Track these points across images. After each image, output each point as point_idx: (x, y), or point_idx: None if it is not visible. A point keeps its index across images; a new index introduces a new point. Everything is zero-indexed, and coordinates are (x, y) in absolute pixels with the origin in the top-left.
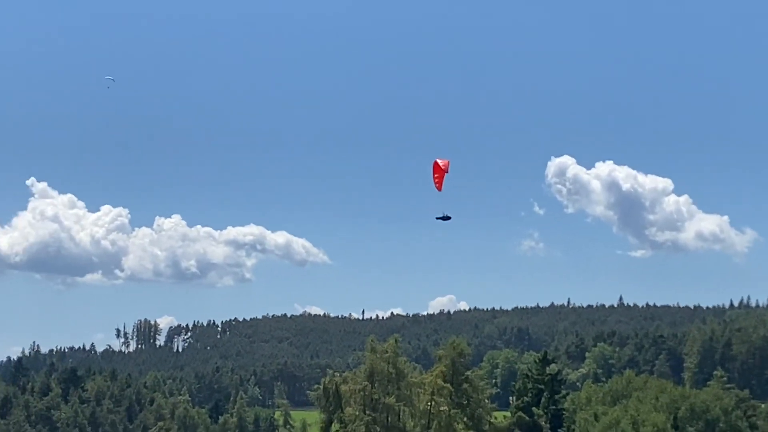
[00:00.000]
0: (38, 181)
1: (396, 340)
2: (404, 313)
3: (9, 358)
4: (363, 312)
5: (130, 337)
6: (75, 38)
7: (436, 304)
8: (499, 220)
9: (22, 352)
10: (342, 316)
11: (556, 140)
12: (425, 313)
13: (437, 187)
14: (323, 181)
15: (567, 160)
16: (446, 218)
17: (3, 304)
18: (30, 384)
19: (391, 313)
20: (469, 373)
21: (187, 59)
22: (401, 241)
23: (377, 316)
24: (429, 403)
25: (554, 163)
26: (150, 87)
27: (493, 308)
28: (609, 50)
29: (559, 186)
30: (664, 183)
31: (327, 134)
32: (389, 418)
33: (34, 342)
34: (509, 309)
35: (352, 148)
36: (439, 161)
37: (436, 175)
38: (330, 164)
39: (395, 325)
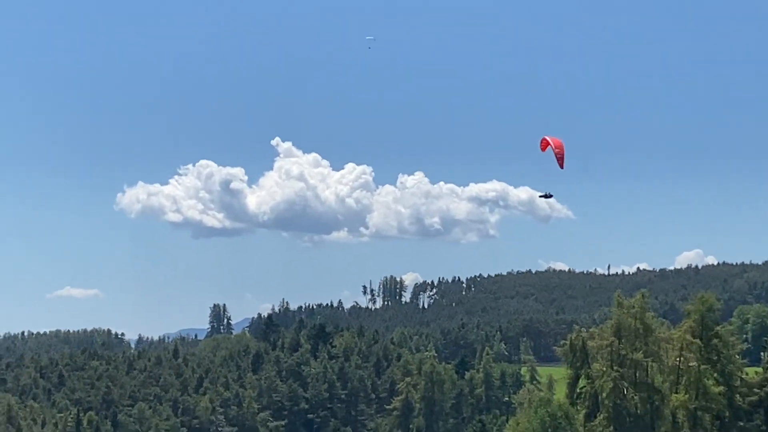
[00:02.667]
0: (283, 141)
1: (643, 295)
2: (650, 268)
3: (260, 314)
4: (608, 267)
5: (377, 294)
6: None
7: (682, 259)
8: (746, 171)
9: (272, 308)
10: (587, 271)
11: None
12: (672, 267)
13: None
14: (561, 134)
15: None
16: (548, 196)
17: (253, 262)
18: (280, 340)
19: (637, 268)
20: (718, 328)
21: (439, 23)
22: (646, 195)
23: (623, 271)
24: (678, 359)
25: None
26: (396, 46)
27: (743, 262)
28: None
29: None
30: None
31: (546, 92)
32: (637, 374)
33: (283, 299)
34: (760, 263)
35: (599, 100)
36: (548, 139)
37: (555, 150)
38: (572, 118)
39: (642, 280)
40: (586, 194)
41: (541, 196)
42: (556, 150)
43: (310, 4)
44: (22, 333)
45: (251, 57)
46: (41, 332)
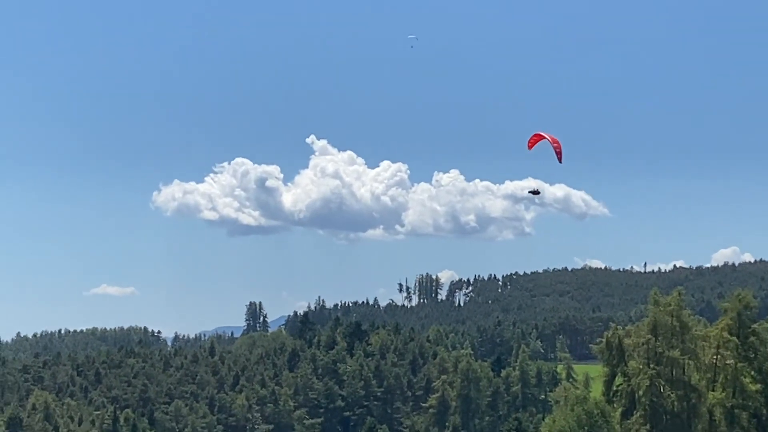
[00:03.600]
0: (318, 138)
1: (679, 293)
2: (687, 266)
3: (296, 312)
4: (645, 265)
5: (412, 292)
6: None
7: (719, 256)
8: None
9: (308, 306)
10: (623, 269)
11: None
12: (708, 265)
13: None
14: (598, 132)
15: None
16: (536, 192)
17: (289, 259)
18: (316, 338)
19: (674, 265)
20: (755, 325)
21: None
22: (682, 192)
23: (659, 268)
24: (714, 357)
25: None
26: (432, 43)
27: None
28: None
29: None
30: None
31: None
32: (674, 372)
33: (319, 297)
34: None
35: (635, 98)
36: (545, 135)
37: (554, 145)
38: (608, 115)
39: (678, 277)
40: (623, 191)
41: (530, 192)
42: (555, 145)
43: (346, 1)
44: (59, 331)
45: (287, 55)
46: (78, 330)
